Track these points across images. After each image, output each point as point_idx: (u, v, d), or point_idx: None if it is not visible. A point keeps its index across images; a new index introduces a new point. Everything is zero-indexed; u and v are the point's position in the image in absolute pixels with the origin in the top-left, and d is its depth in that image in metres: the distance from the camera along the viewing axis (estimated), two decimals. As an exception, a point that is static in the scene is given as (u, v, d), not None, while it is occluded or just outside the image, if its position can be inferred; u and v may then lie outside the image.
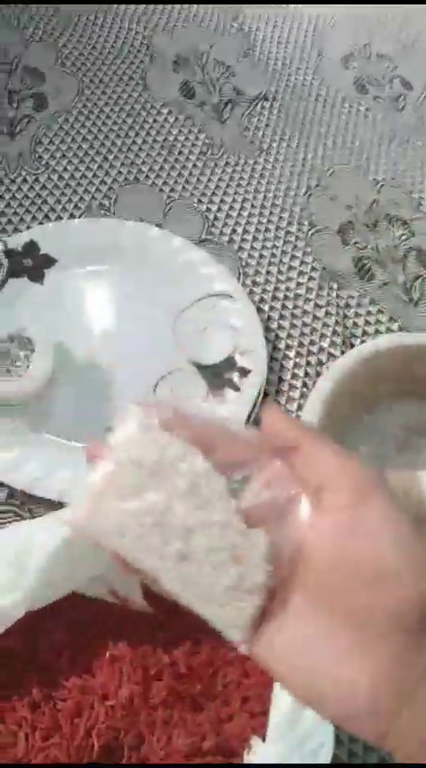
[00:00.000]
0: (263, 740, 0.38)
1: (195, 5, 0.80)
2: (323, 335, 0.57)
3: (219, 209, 0.63)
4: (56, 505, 0.44)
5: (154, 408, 0.27)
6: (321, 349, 0.56)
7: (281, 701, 0.38)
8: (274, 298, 0.58)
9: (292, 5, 0.83)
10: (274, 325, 0.57)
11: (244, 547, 0.25)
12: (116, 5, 0.77)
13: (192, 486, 0.26)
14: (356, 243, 0.64)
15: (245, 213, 0.63)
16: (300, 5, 0.83)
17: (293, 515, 0.26)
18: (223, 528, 0.25)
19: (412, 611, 0.23)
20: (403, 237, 0.65)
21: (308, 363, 0.55)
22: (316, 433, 0.27)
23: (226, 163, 0.67)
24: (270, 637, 0.25)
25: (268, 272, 0.60)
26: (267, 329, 0.56)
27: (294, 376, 0.54)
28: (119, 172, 0.64)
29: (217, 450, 0.27)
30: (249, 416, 0.49)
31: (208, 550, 0.25)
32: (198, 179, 0.65)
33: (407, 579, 0.23)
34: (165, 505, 0.26)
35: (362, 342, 0.57)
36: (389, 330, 0.59)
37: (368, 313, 0.59)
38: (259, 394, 0.51)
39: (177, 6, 0.79)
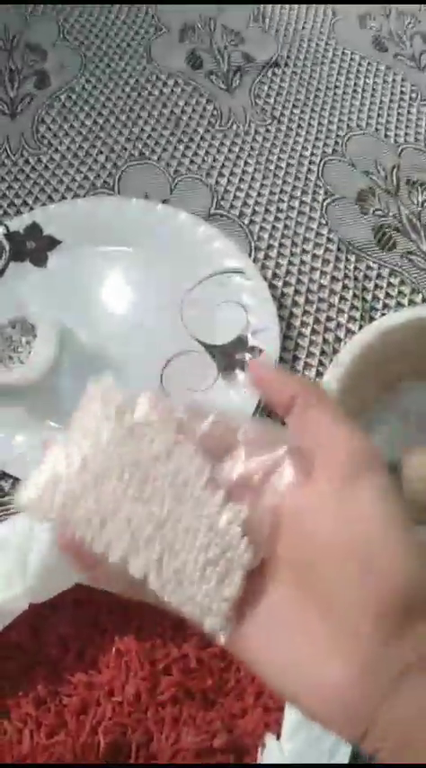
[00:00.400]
0: (278, 737, 0.36)
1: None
2: (340, 311, 0.54)
3: (229, 182, 0.60)
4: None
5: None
6: (338, 325, 0.53)
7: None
8: (288, 272, 0.55)
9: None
10: (288, 302, 0.54)
11: (221, 527, 0.23)
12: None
13: (164, 460, 0.24)
14: (376, 211, 0.60)
15: (257, 185, 0.60)
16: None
17: (275, 487, 0.23)
18: (198, 505, 0.23)
19: (397, 601, 0.21)
20: (427, 203, 0.61)
21: (325, 341, 0.52)
22: (316, 392, 0.24)
23: (236, 134, 0.64)
24: (246, 624, 0.22)
25: (281, 246, 0.57)
26: (280, 306, 0.53)
27: (309, 354, 0.51)
28: (124, 148, 0.61)
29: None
30: (260, 400, 0.47)
31: (183, 529, 0.23)
32: (206, 152, 0.62)
33: (394, 567, 0.21)
34: (134, 484, 0.23)
35: (383, 315, 0.54)
36: (412, 302, 0.55)
37: (389, 285, 0.56)
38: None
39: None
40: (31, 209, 0.56)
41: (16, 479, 0.44)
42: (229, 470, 0.24)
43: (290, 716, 0.35)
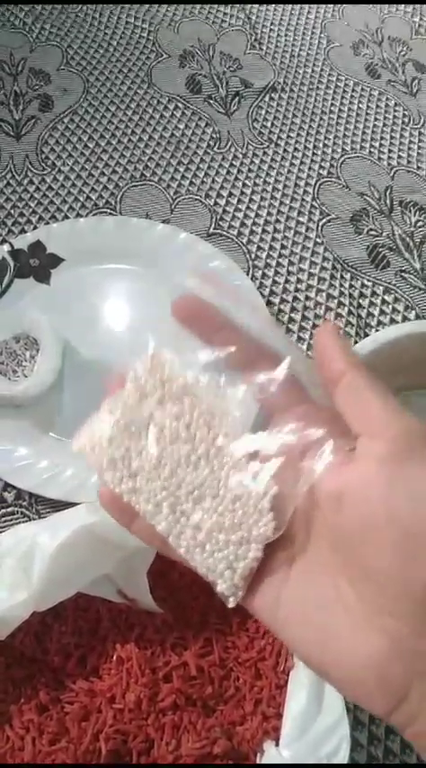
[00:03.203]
0: (277, 744, 0.36)
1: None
2: (335, 327, 0.55)
3: (228, 203, 0.62)
4: (62, 506, 0.44)
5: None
6: (334, 341, 0.54)
7: (295, 703, 0.36)
8: (285, 290, 0.57)
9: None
10: (285, 319, 0.55)
11: (250, 493, 0.24)
12: (121, 4, 0.77)
13: (205, 424, 0.24)
14: (370, 231, 0.62)
15: (254, 206, 0.62)
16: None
17: (317, 458, 0.23)
18: (230, 473, 0.24)
19: None
20: (420, 224, 0.63)
21: (321, 356, 0.53)
22: (366, 371, 0.23)
23: (234, 156, 0.66)
24: (275, 591, 0.23)
25: (278, 265, 0.58)
26: (278, 322, 0.54)
27: (306, 369, 0.53)
28: (126, 169, 0.63)
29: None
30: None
31: (210, 495, 0.24)
32: (205, 173, 0.64)
33: None
34: (172, 443, 0.25)
35: (377, 331, 0.56)
36: (405, 319, 0.57)
37: (384, 302, 0.58)
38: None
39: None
40: (35, 227, 0.58)
41: (19, 490, 0.45)
42: (267, 442, 0.24)
43: (289, 722, 0.36)
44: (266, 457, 0.24)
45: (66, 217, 0.59)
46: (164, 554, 0.26)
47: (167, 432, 0.25)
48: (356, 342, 0.54)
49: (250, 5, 0.80)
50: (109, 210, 0.60)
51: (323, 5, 0.82)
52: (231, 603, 0.24)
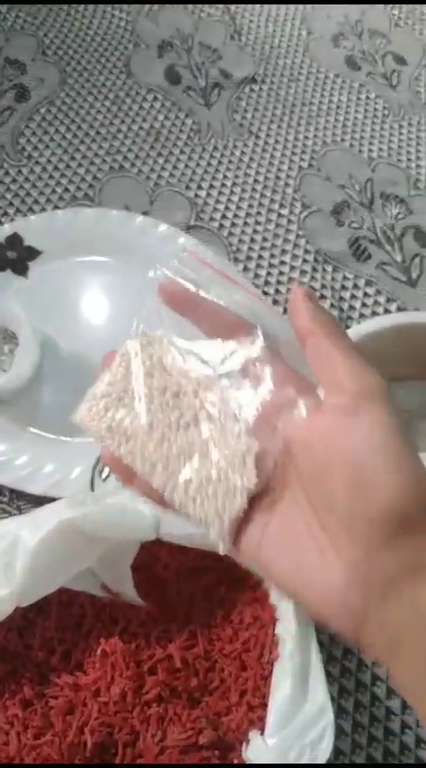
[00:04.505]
0: (262, 733, 0.37)
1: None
2: (317, 318, 0.55)
3: (208, 195, 0.62)
4: (44, 501, 0.43)
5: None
6: (315, 332, 0.55)
7: (280, 693, 0.37)
8: (267, 283, 0.57)
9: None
10: (266, 310, 0.55)
11: (235, 451, 0.26)
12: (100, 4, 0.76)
13: (192, 392, 0.27)
14: (351, 223, 0.62)
15: (235, 198, 0.62)
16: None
17: (289, 416, 0.26)
18: (218, 434, 0.26)
19: (387, 515, 0.23)
20: (400, 216, 0.64)
21: (302, 347, 0.54)
22: (334, 328, 0.26)
23: (215, 147, 0.65)
24: (258, 535, 0.26)
25: (259, 257, 0.58)
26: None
27: (288, 361, 0.53)
28: (104, 161, 0.62)
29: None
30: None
31: (200, 453, 0.26)
32: (185, 165, 0.64)
33: (390, 485, 0.23)
34: (162, 411, 0.27)
35: (359, 324, 0.56)
36: (387, 311, 0.57)
37: (365, 294, 0.58)
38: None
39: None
40: (12, 219, 0.57)
41: (0, 486, 0.45)
42: (249, 402, 0.27)
43: (273, 711, 0.36)
44: (247, 418, 0.27)
45: (44, 209, 0.58)
46: (162, 507, 0.28)
47: (157, 400, 0.27)
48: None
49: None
50: (87, 202, 0.59)
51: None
52: (222, 550, 0.26)
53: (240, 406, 0.27)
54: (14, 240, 0.54)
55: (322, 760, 0.34)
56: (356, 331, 0.46)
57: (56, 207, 0.58)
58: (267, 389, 0.26)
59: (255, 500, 0.26)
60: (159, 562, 0.42)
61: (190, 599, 0.41)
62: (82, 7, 0.74)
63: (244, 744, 0.36)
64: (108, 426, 0.28)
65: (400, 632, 0.23)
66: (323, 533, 0.24)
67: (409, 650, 0.23)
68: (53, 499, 0.43)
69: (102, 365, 0.29)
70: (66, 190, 0.60)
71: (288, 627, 0.39)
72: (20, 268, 0.54)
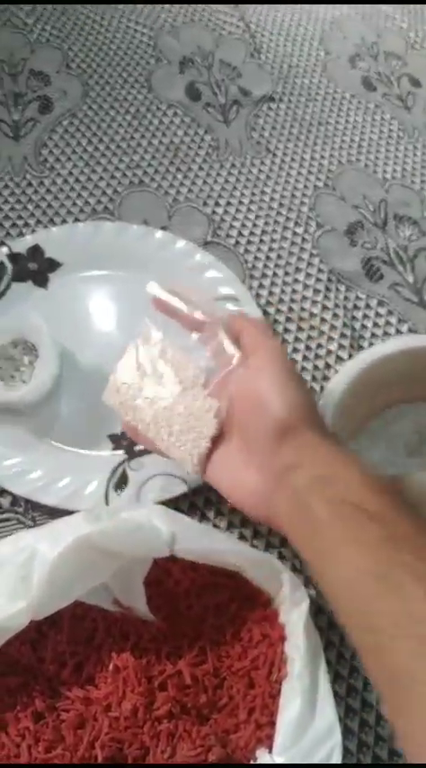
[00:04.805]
0: (270, 752, 0.37)
1: (201, 5, 0.79)
2: (330, 338, 0.56)
3: (225, 212, 0.63)
4: (58, 513, 0.44)
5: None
6: (328, 352, 0.55)
7: (289, 712, 0.37)
8: (280, 300, 0.58)
9: (298, 5, 0.82)
10: (280, 329, 0.56)
11: (202, 408, 0.38)
12: (122, 6, 0.77)
13: (175, 375, 0.40)
14: (364, 243, 0.63)
15: (252, 215, 0.63)
16: (307, 5, 0.83)
17: (232, 378, 0.38)
18: (190, 398, 0.39)
19: (276, 426, 0.34)
20: (413, 237, 0.64)
21: (316, 367, 0.54)
22: (256, 323, 0.41)
23: (232, 164, 0.66)
24: (215, 463, 0.38)
25: (274, 275, 0.59)
26: (273, 332, 0.55)
27: (301, 380, 0.54)
28: (124, 174, 0.63)
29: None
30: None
31: (184, 413, 0.38)
32: (204, 181, 0.64)
33: (276, 407, 0.35)
34: (158, 383, 0.40)
35: (371, 344, 0.57)
36: (398, 332, 0.58)
37: (377, 315, 0.58)
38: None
39: (182, 7, 0.79)
40: (33, 230, 0.58)
41: (15, 497, 0.45)
42: (210, 372, 0.39)
43: (282, 730, 0.36)
44: (207, 383, 0.39)
45: (65, 221, 0.59)
46: (154, 451, 0.42)
47: (151, 380, 0.40)
48: (351, 355, 0.55)
49: (249, 13, 0.80)
50: (107, 216, 0.60)
51: (321, 16, 0.83)
52: (193, 473, 0.39)
53: (207, 378, 0.39)
54: (36, 252, 0.55)
55: (330, 781, 0.34)
56: (369, 353, 0.46)
57: (76, 219, 0.59)
58: (223, 363, 0.38)
59: (216, 442, 0.38)
60: (171, 578, 0.42)
61: (200, 615, 0.41)
62: (106, 22, 0.75)
63: (252, 762, 0.37)
64: (122, 402, 0.41)
65: (287, 506, 0.33)
66: (248, 456, 0.36)
67: (292, 517, 0.33)
68: (67, 511, 0.44)
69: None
70: (87, 203, 0.61)
71: (296, 646, 0.39)
72: (40, 279, 0.54)
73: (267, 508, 0.34)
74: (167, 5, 0.78)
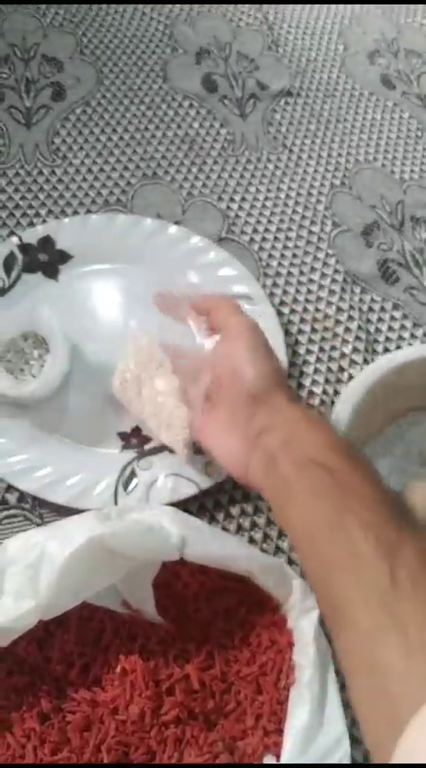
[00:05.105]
0: (277, 759, 0.37)
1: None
2: (345, 341, 0.55)
3: (240, 208, 0.62)
4: (66, 510, 0.43)
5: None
6: (342, 355, 0.54)
7: (297, 720, 0.37)
8: (295, 300, 0.57)
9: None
10: (294, 330, 0.55)
11: (178, 408, 0.44)
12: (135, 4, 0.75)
13: (161, 373, 0.46)
14: (381, 245, 0.62)
15: (267, 212, 0.62)
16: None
17: (214, 353, 0.43)
18: (173, 397, 0.45)
19: (250, 395, 0.39)
20: (429, 240, 0.64)
21: (329, 370, 0.54)
22: (225, 301, 0.45)
23: (248, 159, 0.65)
24: (208, 430, 0.42)
25: (289, 274, 0.58)
26: (287, 333, 0.54)
27: (314, 382, 0.53)
28: (138, 166, 0.62)
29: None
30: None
31: (167, 412, 0.45)
32: (219, 175, 0.63)
33: (249, 375, 0.40)
34: (151, 382, 0.46)
35: (385, 348, 0.56)
36: (413, 336, 0.57)
37: (392, 318, 0.58)
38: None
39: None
40: (44, 221, 0.57)
41: (22, 493, 0.45)
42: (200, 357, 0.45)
43: (290, 738, 0.36)
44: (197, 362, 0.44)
45: (76, 212, 0.58)
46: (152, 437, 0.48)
47: (147, 383, 0.46)
48: (365, 359, 0.54)
49: (267, 5, 0.79)
50: (120, 208, 0.59)
51: (340, 11, 0.81)
52: (182, 456, 0.45)
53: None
54: (46, 243, 0.54)
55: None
56: (388, 359, 0.45)
57: (88, 211, 0.58)
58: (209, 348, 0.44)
59: (208, 412, 0.42)
60: (180, 581, 0.41)
61: (209, 619, 0.41)
62: (121, 8, 0.74)
63: (260, 769, 0.36)
64: (122, 395, 0.47)
65: (260, 466, 0.37)
66: (233, 421, 0.40)
67: (265, 475, 0.37)
68: (75, 509, 0.43)
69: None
70: (99, 194, 0.60)
71: (306, 653, 0.39)
72: (50, 271, 0.53)
73: (245, 468, 0.39)
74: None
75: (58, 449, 0.46)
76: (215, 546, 0.39)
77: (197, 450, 0.46)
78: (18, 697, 0.37)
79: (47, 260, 0.54)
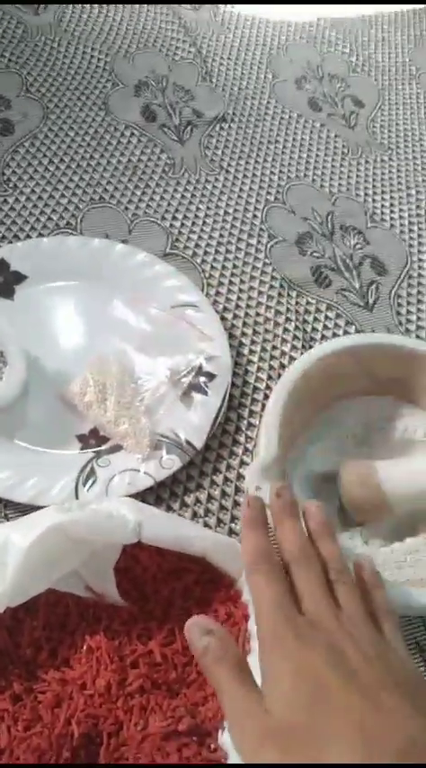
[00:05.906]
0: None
1: (154, 32, 0.84)
2: (284, 340, 0.60)
3: (183, 225, 0.66)
4: (29, 509, 0.46)
5: None
6: (282, 353, 0.59)
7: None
8: (237, 306, 0.61)
9: (246, 30, 0.88)
10: (237, 333, 0.60)
11: (140, 418, 0.52)
12: (78, 32, 0.81)
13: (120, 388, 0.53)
14: (313, 252, 0.67)
15: (207, 228, 0.67)
16: (254, 31, 0.88)
17: None
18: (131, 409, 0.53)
19: None
20: (358, 246, 0.69)
21: (271, 367, 0.58)
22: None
23: (188, 181, 0.70)
24: None
25: (230, 283, 0.63)
26: (231, 336, 0.59)
27: (257, 379, 0.57)
28: (85, 192, 0.67)
29: None
30: (216, 417, 0.52)
31: (129, 416, 0.52)
32: (161, 197, 0.68)
33: None
34: (116, 394, 0.53)
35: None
36: (346, 333, 0.62)
37: (327, 318, 0.63)
38: (224, 396, 0.53)
39: (136, 33, 0.83)
40: (-1, 246, 0.60)
41: (-12, 496, 0.47)
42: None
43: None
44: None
45: (29, 236, 0.62)
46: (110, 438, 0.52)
47: (110, 392, 0.52)
48: (302, 353, 0.59)
49: (201, 39, 0.85)
50: (70, 230, 0.63)
51: (269, 41, 0.88)
52: (143, 454, 0.50)
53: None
54: (1, 265, 0.57)
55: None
56: (320, 349, 0.50)
57: (40, 234, 0.62)
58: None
59: None
60: (139, 564, 0.44)
61: (168, 599, 0.44)
62: (63, 48, 0.79)
63: (220, 731, 0.39)
64: (85, 402, 0.52)
65: None
66: None
67: None
68: (39, 507, 0.46)
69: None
70: (50, 219, 0.64)
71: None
72: (6, 291, 0.57)
73: None
74: (122, 31, 0.83)
75: (19, 452, 0.49)
76: (170, 529, 0.43)
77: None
78: (-9, 682, 0.39)
79: (2, 281, 0.57)
